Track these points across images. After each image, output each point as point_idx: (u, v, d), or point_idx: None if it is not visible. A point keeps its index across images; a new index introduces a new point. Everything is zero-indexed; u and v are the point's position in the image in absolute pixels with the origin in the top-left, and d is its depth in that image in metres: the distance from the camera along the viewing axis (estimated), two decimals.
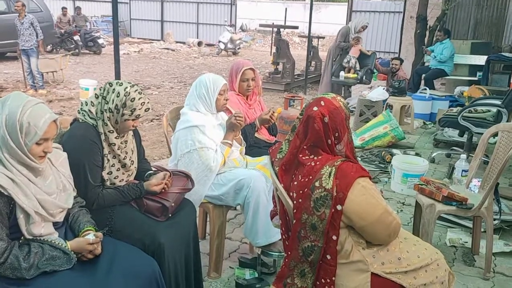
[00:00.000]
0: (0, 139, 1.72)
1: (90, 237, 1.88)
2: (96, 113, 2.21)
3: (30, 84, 9.15)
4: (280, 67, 10.02)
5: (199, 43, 18.84)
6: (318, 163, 1.76)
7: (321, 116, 1.77)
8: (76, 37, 14.63)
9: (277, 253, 2.70)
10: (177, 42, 19.68)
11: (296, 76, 10.39)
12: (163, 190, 2.33)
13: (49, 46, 13.84)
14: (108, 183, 2.26)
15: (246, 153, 3.10)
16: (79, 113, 2.25)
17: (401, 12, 12.65)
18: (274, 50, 10.24)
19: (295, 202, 1.79)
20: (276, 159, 1.95)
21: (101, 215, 2.18)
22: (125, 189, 2.27)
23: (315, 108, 1.79)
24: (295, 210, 1.79)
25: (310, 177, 1.75)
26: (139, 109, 2.22)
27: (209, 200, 2.76)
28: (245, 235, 2.79)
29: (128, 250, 1.99)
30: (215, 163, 2.70)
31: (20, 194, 1.73)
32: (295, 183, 1.82)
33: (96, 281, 1.79)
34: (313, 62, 11.03)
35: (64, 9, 15.91)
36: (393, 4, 16.01)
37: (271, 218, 2.18)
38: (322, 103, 1.80)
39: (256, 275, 2.76)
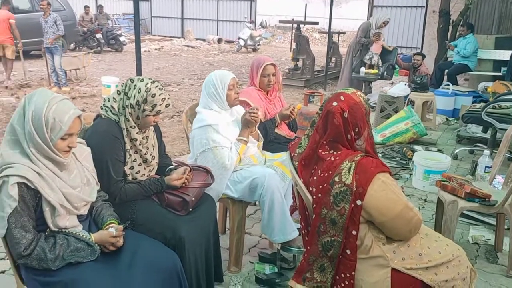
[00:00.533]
0: (27, 134, 1.77)
1: (113, 230, 1.92)
2: (118, 109, 2.25)
3: (54, 82, 9.33)
4: (300, 63, 9.99)
5: (219, 40, 18.91)
6: (337, 158, 1.76)
7: (340, 111, 1.77)
8: (98, 35, 14.86)
9: (296, 249, 2.71)
10: (197, 39, 19.80)
11: (316, 72, 10.34)
12: (183, 185, 2.35)
13: (72, 44, 14.08)
14: (130, 177, 2.30)
15: (266, 149, 3.11)
16: (101, 109, 2.29)
17: (424, 6, 12.46)
18: (294, 46, 10.20)
19: (314, 197, 1.80)
20: (296, 154, 1.95)
21: (123, 209, 2.22)
22: (147, 183, 2.30)
23: (334, 103, 1.79)
24: (314, 205, 1.79)
25: (330, 172, 1.75)
26: (160, 104, 2.25)
27: (227, 195, 2.77)
28: (263, 231, 2.81)
29: (150, 243, 2.03)
30: (230, 161, 2.71)
31: (46, 188, 1.78)
32: (315, 178, 1.82)
33: (118, 272, 1.83)
34: (333, 58, 10.96)
35: (86, 7, 16.16)
36: None
37: (291, 213, 2.19)
38: (342, 98, 1.80)
39: (276, 270, 2.77)
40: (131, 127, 2.25)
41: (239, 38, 17.02)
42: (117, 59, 14.04)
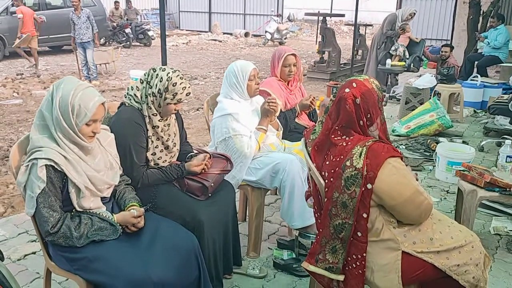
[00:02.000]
0: (54, 119, 1.88)
1: (134, 212, 2.02)
2: (141, 97, 2.34)
3: (85, 76, 9.60)
4: (325, 56, 9.95)
5: (246, 34, 18.95)
6: (349, 143, 1.80)
7: (352, 97, 1.80)
8: (128, 30, 15.15)
9: (314, 235, 2.75)
10: (224, 33, 19.90)
11: (342, 65, 10.28)
12: (203, 171, 2.43)
13: (102, 39, 14.39)
14: (152, 163, 2.39)
15: (286, 138, 3.16)
16: (125, 97, 2.39)
17: None
18: (319, 39, 10.16)
19: (326, 181, 1.84)
20: (310, 140, 2.00)
21: (145, 193, 2.32)
22: (168, 169, 2.39)
23: (347, 90, 1.83)
24: (326, 189, 1.84)
25: (342, 157, 1.79)
26: (181, 93, 2.33)
27: (247, 182, 2.84)
28: (282, 217, 2.87)
29: (170, 225, 2.12)
30: (249, 149, 2.78)
31: (72, 170, 1.89)
32: (327, 162, 1.87)
33: (139, 250, 1.93)
34: (359, 51, 10.86)
35: (116, 3, 16.48)
36: None
37: (306, 199, 2.24)
38: (354, 84, 1.83)
39: (294, 256, 2.83)
40: (153, 114, 2.34)
41: (266, 31, 17.03)
42: (145, 54, 14.30)
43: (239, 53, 15.04)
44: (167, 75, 2.32)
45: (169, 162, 2.47)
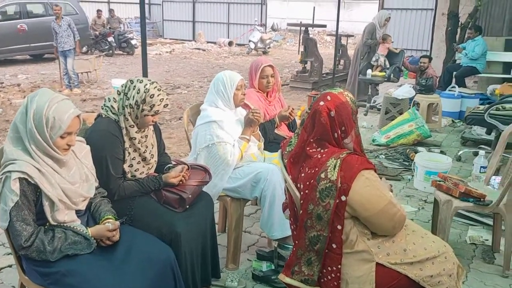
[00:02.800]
0: (28, 132, 1.86)
1: (109, 225, 2.00)
2: (118, 109, 2.33)
3: (66, 84, 9.51)
4: (308, 66, 10.04)
5: (230, 43, 19.02)
6: (324, 155, 1.82)
7: (327, 110, 1.83)
8: (110, 39, 15.07)
9: (292, 246, 2.76)
10: (208, 42, 19.94)
11: (324, 75, 10.39)
12: (181, 182, 2.43)
13: (84, 48, 14.29)
14: (129, 175, 2.38)
15: (266, 149, 3.17)
16: (102, 108, 2.38)
17: (433, 9, 12.42)
18: (302, 49, 10.25)
19: (302, 193, 1.86)
20: (286, 152, 2.02)
21: (122, 205, 2.30)
22: (145, 181, 2.38)
23: (321, 103, 1.85)
24: (302, 201, 1.85)
25: (316, 169, 1.81)
26: (158, 105, 2.33)
27: (227, 193, 2.85)
28: (262, 228, 2.87)
29: (146, 238, 2.11)
30: (232, 157, 2.79)
31: (45, 183, 1.87)
32: (303, 175, 1.88)
33: (114, 264, 1.91)
34: (341, 61, 10.99)
35: (99, 11, 16.41)
36: (425, 1, 15.70)
37: (283, 210, 2.25)
38: (329, 97, 1.86)
39: (273, 268, 2.82)
40: (130, 126, 2.33)
41: (250, 41, 17.12)
42: (128, 62, 14.24)
43: (222, 62, 15.07)
44: (144, 86, 2.32)
45: (146, 174, 2.46)
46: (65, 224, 1.94)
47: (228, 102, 2.89)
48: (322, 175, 1.78)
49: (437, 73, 8.45)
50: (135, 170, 2.40)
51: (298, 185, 1.90)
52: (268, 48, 17.66)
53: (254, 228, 3.43)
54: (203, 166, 2.64)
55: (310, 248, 1.84)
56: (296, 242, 1.89)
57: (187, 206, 2.42)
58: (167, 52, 17.12)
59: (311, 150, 1.87)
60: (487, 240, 3.27)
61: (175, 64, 14.25)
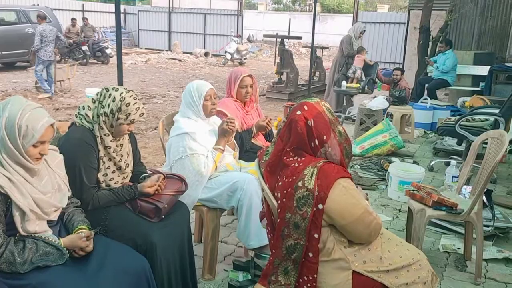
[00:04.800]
0: (0, 140, 1.81)
1: (82, 234, 1.96)
2: (93, 117, 2.30)
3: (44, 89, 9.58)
4: (284, 77, 10.12)
5: (206, 54, 19.05)
6: (301, 164, 1.83)
7: (304, 120, 1.84)
8: (84, 47, 14.89)
9: (269, 256, 2.75)
10: (184, 52, 19.91)
11: (300, 86, 10.48)
12: (156, 192, 2.40)
13: (58, 56, 14.07)
14: (103, 185, 2.34)
15: (242, 158, 3.17)
16: (76, 117, 2.34)
17: (405, 23, 12.75)
18: (278, 60, 10.34)
19: (279, 201, 1.86)
20: (263, 161, 2.02)
21: (96, 215, 2.25)
22: (120, 190, 2.35)
23: (298, 112, 1.87)
24: (279, 210, 1.85)
25: (294, 178, 1.81)
26: (134, 114, 2.30)
27: (203, 203, 2.82)
28: (238, 238, 2.86)
29: (120, 248, 2.07)
30: (206, 168, 2.77)
31: (16, 193, 1.82)
32: (280, 183, 1.89)
33: (87, 276, 1.86)
34: (317, 72, 11.13)
35: (73, 20, 16.19)
36: (398, 15, 16.11)
37: (261, 220, 2.24)
38: (305, 107, 1.87)
39: (249, 278, 2.80)
40: (105, 135, 2.30)
41: (226, 52, 17.19)
42: (103, 71, 14.07)
43: (199, 72, 15.06)
44: (120, 95, 2.29)
45: (121, 183, 2.42)
46: (36, 235, 1.88)
47: (198, 113, 2.87)
48: (300, 184, 1.78)
49: (409, 85, 8.65)
50: (110, 180, 2.36)
51: (276, 193, 1.90)
52: (244, 59, 17.76)
53: (231, 238, 3.41)
54: (179, 176, 2.61)
55: (287, 257, 1.83)
56: (273, 251, 1.89)
57: (163, 216, 2.39)
58: (142, 61, 17.00)
59: (288, 159, 1.88)
60: (459, 248, 3.33)
61: (150, 74, 14.15)
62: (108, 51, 15.62)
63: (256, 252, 2.79)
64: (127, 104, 2.28)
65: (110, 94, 2.30)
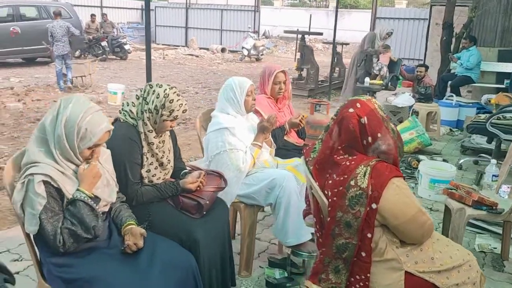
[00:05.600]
0: (56, 137, 1.83)
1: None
2: (137, 113, 2.31)
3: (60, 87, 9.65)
4: (304, 73, 10.07)
5: (223, 50, 19.04)
6: (353, 162, 1.81)
7: (357, 117, 1.82)
8: (104, 43, 14.97)
9: (306, 253, 2.75)
10: (200, 48, 19.92)
11: (319, 82, 10.43)
12: (198, 188, 2.40)
13: (77, 52, 14.20)
14: (146, 180, 2.35)
15: (275, 155, 3.16)
16: (120, 113, 2.35)
17: (426, 19, 12.59)
18: (298, 56, 10.30)
19: (329, 200, 1.85)
20: (310, 159, 2.01)
21: (139, 211, 2.26)
22: (162, 186, 2.36)
23: (350, 110, 1.85)
24: (329, 208, 1.84)
25: (345, 176, 1.80)
26: (177, 110, 2.31)
27: (240, 199, 2.82)
28: (275, 235, 2.85)
29: (167, 244, 2.08)
30: (244, 164, 2.78)
31: (68, 186, 1.84)
32: (330, 182, 1.87)
33: (138, 270, 1.88)
34: (336, 68, 11.06)
35: (93, 16, 16.31)
36: (418, 11, 15.92)
37: (304, 217, 2.23)
38: (358, 105, 1.85)
39: (286, 275, 2.80)
40: (148, 131, 2.31)
41: (243, 47, 17.14)
42: (122, 67, 14.15)
43: (216, 68, 15.07)
44: (164, 91, 2.30)
45: (163, 179, 2.43)
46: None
47: (239, 108, 2.88)
48: (352, 183, 1.77)
49: (433, 82, 8.54)
50: (152, 176, 2.37)
51: (325, 192, 1.88)
52: (261, 55, 17.71)
53: (264, 234, 3.41)
54: (218, 172, 2.61)
55: (338, 256, 1.82)
56: (323, 249, 1.88)
57: (204, 213, 2.39)
58: (160, 57, 17.06)
59: (338, 157, 1.86)
60: (496, 248, 3.29)
61: (169, 69, 14.19)
62: (126, 47, 15.69)
63: (293, 250, 2.79)
64: (171, 101, 2.29)
65: (154, 91, 2.31)
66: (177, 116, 2.33)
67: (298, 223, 2.67)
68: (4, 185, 1.94)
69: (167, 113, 2.29)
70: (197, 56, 17.93)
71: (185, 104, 2.36)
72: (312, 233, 2.73)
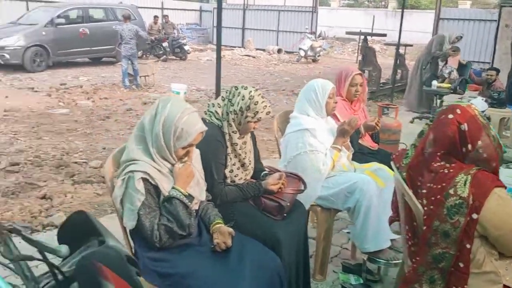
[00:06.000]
0: (154, 135, 1.90)
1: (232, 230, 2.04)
2: (222, 114, 2.36)
3: (125, 85, 10.14)
4: (365, 75, 9.89)
5: (279, 50, 19.07)
6: (451, 170, 1.76)
7: (457, 124, 1.77)
8: (165, 44, 15.41)
9: (384, 261, 2.69)
10: (257, 49, 20.04)
11: (381, 85, 10.21)
12: (279, 190, 2.42)
13: (140, 52, 14.69)
14: (229, 180, 2.40)
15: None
16: (205, 113, 2.41)
17: (494, 20, 12.03)
18: (359, 57, 10.13)
19: (425, 208, 1.80)
20: (403, 165, 1.96)
21: (223, 210, 2.30)
22: (245, 186, 2.39)
23: (450, 116, 1.79)
24: (425, 217, 1.79)
25: (443, 184, 1.75)
26: (261, 112, 2.34)
27: (317, 202, 2.81)
28: (353, 240, 2.82)
29: (253, 244, 2.11)
30: (324, 166, 2.76)
31: (165, 184, 1.91)
32: (424, 190, 1.82)
33: (230, 269, 1.92)
34: (399, 70, 10.77)
35: (155, 17, 16.85)
36: (484, 12, 15.21)
37: (390, 224, 2.19)
38: (458, 111, 1.79)
39: (361, 282, 2.77)
40: (233, 132, 2.35)
41: (300, 48, 17.09)
42: (182, 67, 14.50)
43: (273, 69, 15.12)
44: (249, 93, 2.33)
45: (244, 180, 2.47)
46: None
47: (320, 110, 2.88)
48: (451, 191, 1.71)
49: (504, 86, 8.13)
50: (235, 176, 2.41)
51: (420, 200, 1.84)
52: (318, 56, 17.58)
53: (336, 239, 3.36)
54: (296, 175, 2.62)
55: (434, 266, 1.77)
56: (417, 258, 1.83)
57: (285, 214, 2.40)
58: None
59: (435, 164, 1.81)
60: None
61: (226, 70, 14.35)
62: (186, 47, 16.07)
63: (370, 256, 2.74)
64: (256, 103, 2.32)
65: (239, 92, 2.34)
66: (260, 117, 2.36)
67: (377, 228, 2.63)
68: (106, 181, 2.03)
69: (252, 115, 2.32)
70: (253, 57, 18.07)
71: (269, 106, 2.39)
72: (391, 240, 2.69)
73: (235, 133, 2.36)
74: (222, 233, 2.03)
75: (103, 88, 10.25)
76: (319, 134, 2.80)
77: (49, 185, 4.46)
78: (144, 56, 15.09)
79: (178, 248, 1.95)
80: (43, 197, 4.15)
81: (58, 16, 12.54)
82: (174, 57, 16.14)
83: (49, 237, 3.34)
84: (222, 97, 2.41)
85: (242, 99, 2.33)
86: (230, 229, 2.05)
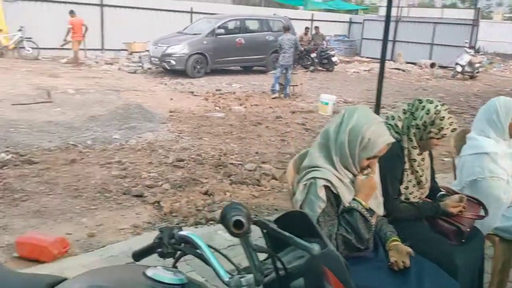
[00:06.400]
0: (338, 143, 1.91)
1: (410, 250, 1.94)
2: (403, 128, 2.28)
3: (273, 90, 10.65)
4: None
5: (432, 65, 18.01)
6: None
7: None
8: (313, 55, 15.65)
9: None
10: (407, 62, 19.21)
11: None
12: (458, 213, 2.26)
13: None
14: (402, 197, 2.31)
15: None
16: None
17: None
18: None
19: None
20: None
21: (397, 227, 2.22)
22: (421, 205, 2.28)
23: None
24: None
25: None
26: (447, 128, 2.21)
27: (496, 232, 2.56)
28: None
29: (432, 268, 1.99)
30: (506, 195, 2.52)
31: (346, 194, 1.91)
32: None
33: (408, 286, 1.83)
34: None
35: (306, 28, 17.27)
36: None
37: None
38: None
39: None
40: (412, 147, 2.26)
41: (457, 63, 15.92)
42: (328, 78, 14.54)
43: (425, 84, 14.36)
44: (435, 107, 2.22)
45: (418, 198, 2.35)
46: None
47: (502, 132, 2.62)
48: None
49: None
50: (410, 193, 2.32)
51: None
52: (477, 72, 16.18)
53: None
54: (477, 199, 2.42)
55: None
56: None
57: (463, 240, 2.23)
58: (365, 70, 17.03)
59: None
60: None
61: (374, 83, 13.96)
62: (334, 59, 16.09)
63: None
64: (441, 118, 2.20)
65: (423, 106, 2.25)
66: (445, 134, 2.23)
67: None
68: (287, 184, 2.10)
69: (436, 131, 2.21)
70: (403, 71, 17.37)
71: (456, 123, 2.24)
72: None
73: (415, 148, 2.27)
74: (399, 252, 1.95)
75: (253, 95, 10.77)
76: (501, 159, 2.55)
77: (210, 182, 4.80)
78: (292, 66, 15.46)
79: (354, 260, 1.92)
80: (205, 193, 4.49)
81: (219, 27, 13.55)
82: (321, 68, 16.28)
83: (212, 231, 3.58)
84: (404, 109, 2.33)
85: (427, 113, 2.22)
86: (409, 249, 1.96)
